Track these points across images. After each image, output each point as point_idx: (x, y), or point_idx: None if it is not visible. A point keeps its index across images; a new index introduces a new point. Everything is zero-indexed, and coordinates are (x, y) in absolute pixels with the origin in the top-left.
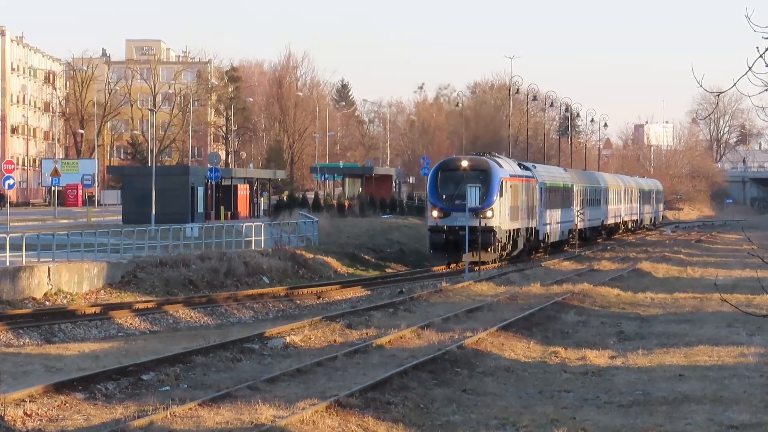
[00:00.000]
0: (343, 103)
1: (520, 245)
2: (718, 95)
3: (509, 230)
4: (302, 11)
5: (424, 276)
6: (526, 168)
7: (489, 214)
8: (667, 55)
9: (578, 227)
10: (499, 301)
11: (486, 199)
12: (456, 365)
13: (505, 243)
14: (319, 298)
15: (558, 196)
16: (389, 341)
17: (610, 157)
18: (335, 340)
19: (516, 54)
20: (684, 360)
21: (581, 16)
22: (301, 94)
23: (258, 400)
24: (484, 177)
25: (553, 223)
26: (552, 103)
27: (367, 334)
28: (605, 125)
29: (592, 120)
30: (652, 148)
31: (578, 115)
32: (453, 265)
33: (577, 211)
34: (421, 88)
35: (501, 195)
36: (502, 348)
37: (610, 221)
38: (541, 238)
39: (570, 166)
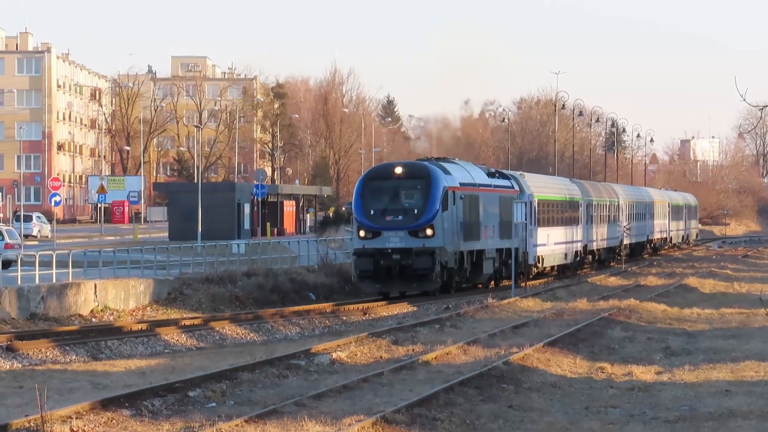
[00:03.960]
0: (389, 119)
1: (486, 270)
2: (762, 109)
3: (461, 252)
4: (348, 28)
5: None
6: (504, 177)
7: (429, 232)
8: (712, 70)
9: (589, 249)
10: (545, 317)
11: (424, 213)
12: (502, 381)
13: (453, 268)
14: (365, 314)
15: (557, 212)
16: (435, 357)
17: (656, 172)
18: (381, 357)
19: (562, 69)
20: (730, 375)
21: (626, 31)
22: (346, 110)
23: (304, 417)
24: (423, 186)
25: (550, 243)
26: (598, 118)
27: (413, 350)
28: (651, 140)
29: (639, 135)
30: (699, 164)
31: (624, 130)
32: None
33: (592, 229)
34: (466, 103)
35: (446, 209)
36: (548, 364)
37: (631, 240)
38: (531, 261)
39: (616, 181)
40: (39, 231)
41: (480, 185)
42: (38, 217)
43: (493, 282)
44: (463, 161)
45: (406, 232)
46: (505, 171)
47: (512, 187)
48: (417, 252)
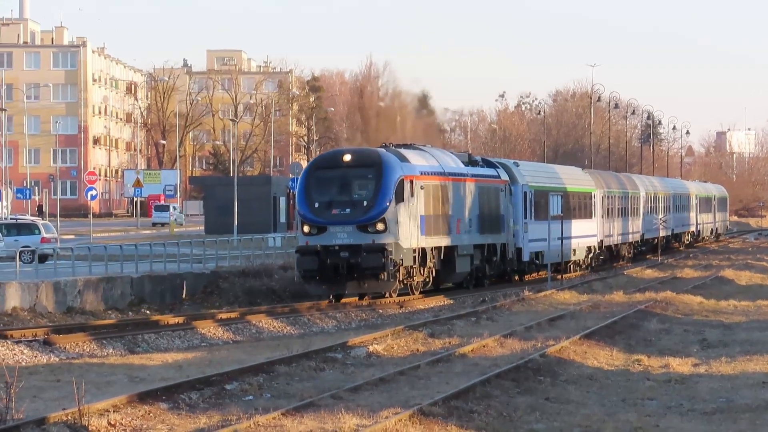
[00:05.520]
0: (424, 112)
1: (461, 268)
2: None
3: (422, 249)
4: (383, 21)
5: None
6: (491, 165)
7: (380, 226)
8: (748, 62)
9: (605, 244)
10: (581, 310)
11: (375, 205)
12: (539, 373)
13: (411, 266)
14: (401, 307)
15: (564, 205)
16: (472, 350)
17: (692, 164)
18: (418, 349)
19: (597, 62)
20: None
21: (662, 23)
22: (382, 104)
23: (341, 410)
24: (374, 175)
25: (553, 238)
26: (634, 110)
27: (449, 343)
28: (687, 132)
29: (674, 127)
30: (734, 156)
31: (660, 122)
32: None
33: (607, 223)
34: (502, 96)
35: (401, 200)
36: (584, 356)
37: (653, 234)
38: (526, 258)
39: (652, 173)
40: (175, 219)
41: (451, 174)
42: (174, 207)
43: (477, 282)
44: (434, 148)
45: (354, 226)
46: (493, 159)
47: (497, 176)
48: (366, 249)
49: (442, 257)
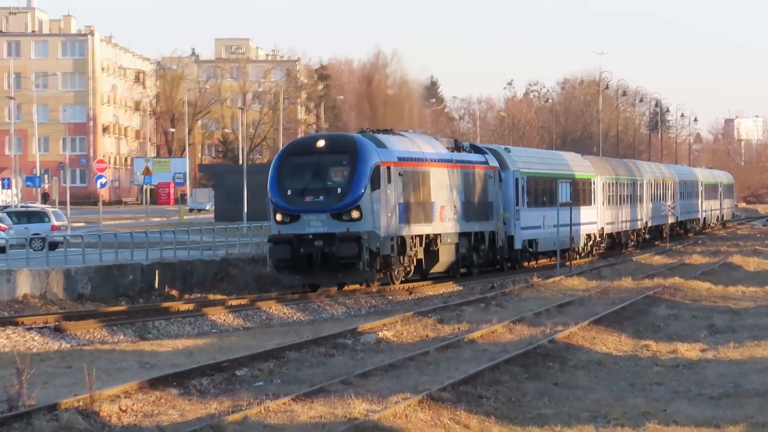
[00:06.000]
0: (433, 100)
1: (444, 257)
2: None
3: (401, 237)
4: (391, 10)
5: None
6: (479, 151)
7: (355, 214)
8: (756, 49)
9: (606, 231)
10: (590, 296)
11: (349, 192)
12: (548, 359)
13: (389, 255)
14: (410, 293)
15: (559, 191)
16: (481, 336)
17: (700, 151)
18: (427, 335)
19: (605, 50)
20: None
21: (669, 10)
22: (390, 91)
23: (351, 395)
24: (348, 161)
25: (547, 226)
26: (642, 98)
27: (458, 329)
28: (695, 120)
29: (683, 115)
30: (743, 143)
31: (668, 110)
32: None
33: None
34: (510, 84)
35: (378, 187)
36: (593, 342)
37: (658, 222)
38: (518, 246)
39: (661, 160)
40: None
41: (432, 159)
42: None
43: (465, 270)
44: (417, 133)
45: (328, 214)
46: (483, 145)
47: (486, 163)
48: (341, 237)
49: (424, 246)
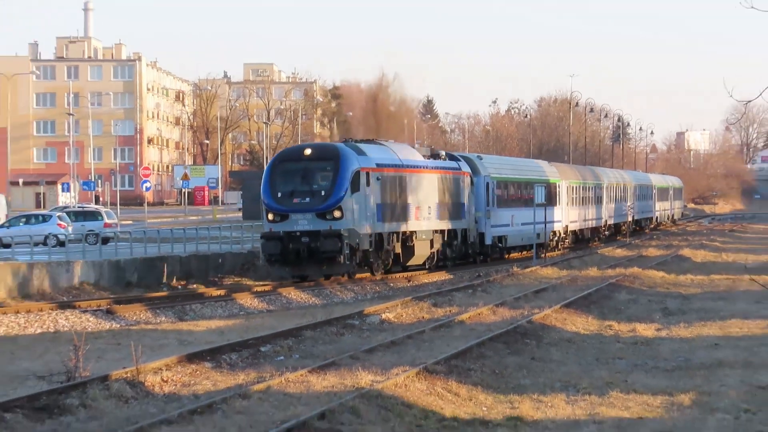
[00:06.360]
0: (429, 116)
1: (420, 251)
2: (746, 104)
3: (379, 234)
4: (393, 39)
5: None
6: (453, 158)
7: (337, 214)
8: (703, 71)
9: (570, 229)
10: (562, 283)
11: (332, 195)
12: (526, 337)
13: (368, 250)
14: (409, 281)
15: (526, 194)
16: (469, 317)
17: (655, 160)
18: (423, 317)
19: (576, 72)
20: (719, 331)
21: (632, 38)
22: (392, 108)
23: (358, 368)
24: (331, 167)
25: (515, 224)
26: (606, 114)
27: (450, 311)
28: (651, 133)
29: (641, 128)
30: (692, 152)
31: (629, 124)
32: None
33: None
34: (494, 102)
35: (357, 190)
36: (564, 322)
37: (615, 220)
38: (488, 242)
39: (622, 167)
40: None
41: (408, 166)
42: None
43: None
44: (396, 143)
45: (313, 214)
46: (457, 153)
47: (459, 169)
48: (325, 234)
49: (401, 241)
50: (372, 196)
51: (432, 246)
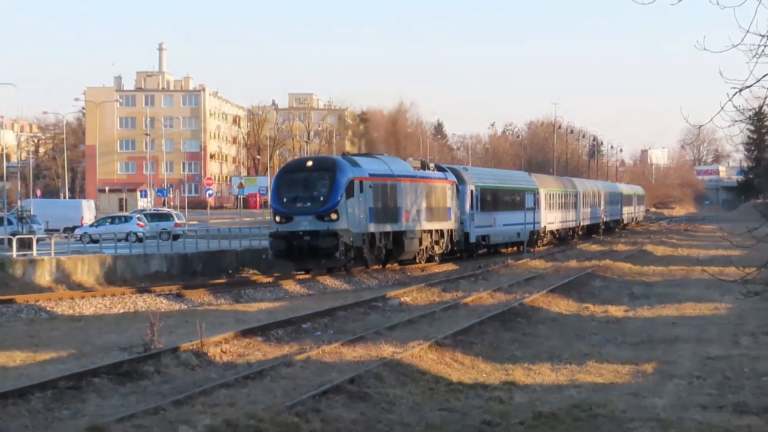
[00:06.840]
0: (439, 136)
1: (409, 248)
2: (699, 127)
3: (371, 233)
4: (411, 74)
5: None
6: (441, 169)
7: (333, 216)
8: (665, 98)
9: (548, 229)
10: (547, 272)
11: (329, 200)
12: (518, 317)
13: (360, 247)
14: (423, 271)
15: (507, 200)
16: (472, 300)
17: (624, 172)
18: (434, 300)
19: (559, 101)
20: (676, 312)
21: (608, 71)
22: (409, 130)
23: (381, 341)
24: (329, 177)
25: (497, 225)
26: (584, 134)
27: (456, 295)
28: (621, 150)
29: (612, 146)
30: (653, 166)
31: (602, 143)
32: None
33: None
34: (492, 125)
35: (351, 196)
36: (549, 304)
37: (588, 222)
38: (473, 240)
39: (596, 178)
40: None
41: (399, 176)
42: None
43: (436, 258)
44: (390, 157)
45: (313, 216)
46: (445, 165)
47: (445, 178)
48: (323, 233)
49: (392, 239)
50: (365, 201)
51: (421, 243)
